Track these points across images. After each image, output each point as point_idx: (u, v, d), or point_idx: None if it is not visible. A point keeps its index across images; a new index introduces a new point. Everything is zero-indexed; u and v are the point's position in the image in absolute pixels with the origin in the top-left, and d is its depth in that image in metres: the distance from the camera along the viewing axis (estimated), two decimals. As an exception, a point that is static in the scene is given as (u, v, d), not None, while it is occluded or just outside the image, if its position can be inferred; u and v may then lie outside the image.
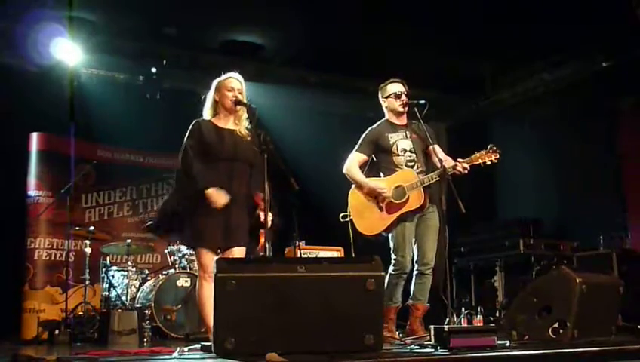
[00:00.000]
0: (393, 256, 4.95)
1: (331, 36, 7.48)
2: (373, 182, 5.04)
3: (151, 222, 4.38)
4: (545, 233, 7.88)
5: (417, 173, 4.98)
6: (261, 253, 4.66)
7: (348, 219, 5.13)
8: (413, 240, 5.02)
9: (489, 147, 4.91)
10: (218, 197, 4.11)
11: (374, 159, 5.19)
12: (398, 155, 5.07)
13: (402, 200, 4.93)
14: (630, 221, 7.76)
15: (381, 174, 5.13)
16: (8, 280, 7.15)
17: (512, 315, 4.40)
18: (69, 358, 3.24)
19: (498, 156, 4.90)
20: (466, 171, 4.84)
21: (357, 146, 5.19)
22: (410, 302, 5.04)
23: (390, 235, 5.01)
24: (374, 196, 5.03)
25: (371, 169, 5.18)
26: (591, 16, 6.78)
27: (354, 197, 5.15)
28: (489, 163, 4.89)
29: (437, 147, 5.12)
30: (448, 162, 4.96)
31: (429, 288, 5.05)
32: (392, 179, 5.02)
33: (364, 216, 5.06)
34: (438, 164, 4.96)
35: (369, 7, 6.86)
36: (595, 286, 4.31)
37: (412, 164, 5.05)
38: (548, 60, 8.24)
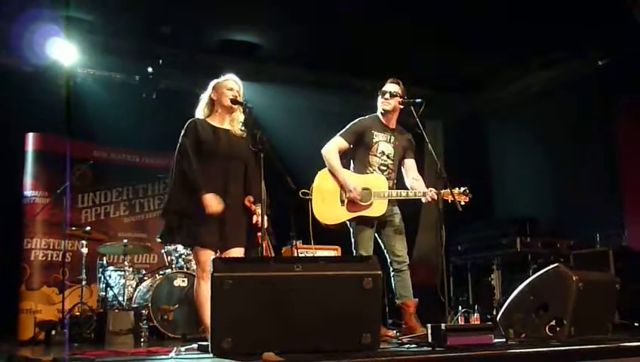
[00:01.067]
0: (355, 253, 5.02)
1: (328, 35, 7.49)
2: (346, 176, 5.05)
3: (161, 234, 4.37)
4: (541, 231, 7.89)
5: (387, 179, 5.03)
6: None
7: (308, 197, 5.11)
8: (380, 241, 5.10)
9: (463, 189, 4.90)
10: (213, 203, 4.11)
11: (350, 147, 5.19)
12: (376, 155, 5.11)
13: (366, 204, 4.97)
14: (626, 219, 7.76)
15: (351, 165, 5.17)
16: (5, 281, 7.11)
17: (509, 313, 4.40)
18: (66, 359, 3.23)
19: (467, 200, 4.87)
20: (434, 201, 4.83)
21: (342, 131, 5.19)
22: (398, 301, 5.08)
23: (352, 232, 5.06)
24: (342, 187, 5.05)
25: (344, 157, 5.19)
26: (587, 15, 6.79)
27: (322, 180, 5.13)
28: (457, 202, 4.78)
29: (413, 162, 5.21)
30: (419, 183, 5.04)
31: (411, 283, 5.07)
32: (363, 179, 5.06)
33: (325, 203, 5.06)
34: (408, 181, 5.11)
35: (366, 6, 6.87)
36: (591, 284, 4.32)
37: (384, 168, 5.10)
38: (544, 58, 8.25)
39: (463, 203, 4.83)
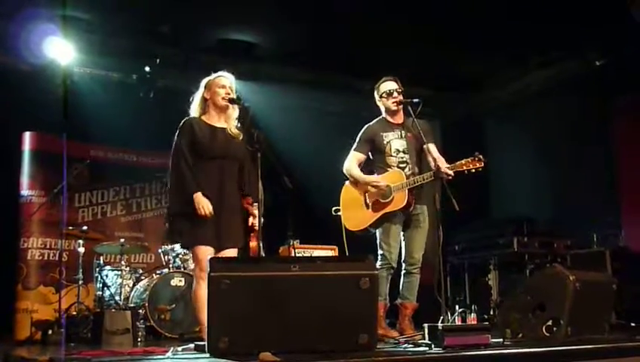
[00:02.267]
0: (380, 252, 5.03)
1: (326, 35, 7.48)
2: (370, 178, 5.13)
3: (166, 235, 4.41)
4: (539, 231, 7.89)
5: (408, 175, 5.02)
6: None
7: (339, 213, 5.25)
8: (402, 238, 5.09)
9: (475, 155, 4.88)
10: (205, 204, 4.12)
11: (370, 157, 5.25)
12: (391, 156, 5.11)
13: (387, 200, 5.01)
14: (624, 219, 7.77)
15: (375, 173, 5.18)
16: (1, 280, 7.11)
17: (506, 313, 4.40)
18: (62, 358, 3.22)
19: (483, 164, 4.86)
20: (450, 177, 4.81)
21: (355, 145, 5.27)
22: (398, 301, 5.10)
23: (378, 231, 5.07)
24: (365, 193, 5.13)
25: (365, 167, 5.23)
26: (585, 15, 6.79)
27: (345, 193, 5.28)
28: (473, 170, 4.85)
29: (432, 146, 5.12)
30: (441, 163, 4.96)
31: (417, 287, 5.10)
32: (382, 178, 5.10)
33: (350, 212, 5.19)
34: (432, 164, 4.99)
35: (364, 5, 6.86)
36: (588, 284, 4.31)
37: (404, 165, 5.10)
38: (542, 59, 8.25)
39: (480, 168, 4.83)
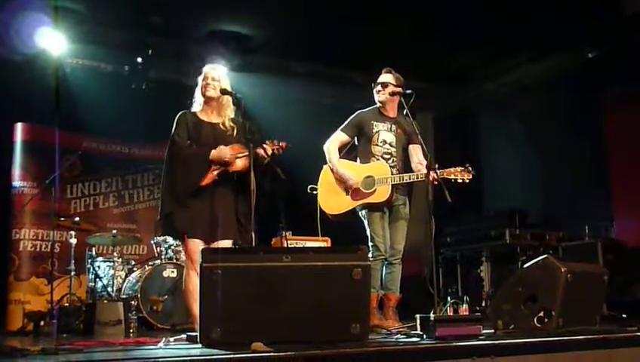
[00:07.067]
0: (371, 244, 5.00)
1: (319, 26, 7.46)
2: (342, 170, 5.10)
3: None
4: (531, 223, 7.94)
5: (391, 168, 5.02)
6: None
7: (315, 192, 5.20)
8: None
9: (465, 165, 4.87)
10: (224, 154, 4.17)
11: (354, 141, 5.24)
12: (377, 145, 5.11)
13: (369, 191, 4.99)
14: (615, 211, 7.80)
15: (358, 159, 5.18)
16: (-7, 272, 7.11)
17: (498, 305, 4.41)
18: (54, 349, 3.22)
19: (471, 176, 4.85)
20: (436, 183, 4.73)
21: (342, 126, 5.24)
22: (382, 292, 5.07)
23: (365, 219, 5.06)
24: (338, 181, 5.10)
25: (350, 152, 5.23)
26: (577, 8, 6.80)
27: (326, 174, 5.22)
28: (460, 181, 4.83)
29: (418, 147, 5.15)
30: (422, 169, 4.98)
31: (400, 278, 5.08)
32: (366, 168, 5.08)
33: (330, 195, 5.15)
34: (413, 165, 5.07)
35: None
36: (580, 276, 4.33)
37: (388, 157, 5.10)
38: (534, 51, 8.26)
39: (467, 180, 4.83)
